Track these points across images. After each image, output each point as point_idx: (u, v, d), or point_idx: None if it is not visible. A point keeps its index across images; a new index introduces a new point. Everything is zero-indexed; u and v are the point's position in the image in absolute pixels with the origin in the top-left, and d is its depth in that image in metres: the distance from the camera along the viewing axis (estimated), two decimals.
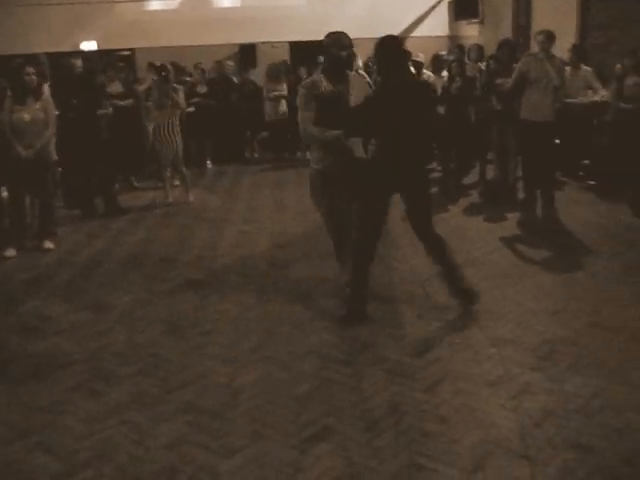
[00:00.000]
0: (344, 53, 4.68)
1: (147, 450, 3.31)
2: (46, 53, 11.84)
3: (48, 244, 6.91)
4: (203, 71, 11.83)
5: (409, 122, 4.48)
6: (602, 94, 8.66)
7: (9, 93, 6.73)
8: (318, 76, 4.79)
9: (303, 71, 11.89)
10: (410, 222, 4.88)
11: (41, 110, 6.66)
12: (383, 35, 4.66)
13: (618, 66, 7.98)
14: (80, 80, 8.14)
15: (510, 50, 8.76)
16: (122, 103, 9.53)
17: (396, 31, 15.30)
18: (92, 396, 3.86)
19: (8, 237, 6.84)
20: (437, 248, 4.85)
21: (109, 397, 3.85)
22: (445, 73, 9.75)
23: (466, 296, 4.87)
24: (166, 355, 4.35)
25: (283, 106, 11.72)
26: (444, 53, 11.17)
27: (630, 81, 7.59)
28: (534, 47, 8.33)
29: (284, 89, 11.72)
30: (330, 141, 4.62)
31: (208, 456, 3.25)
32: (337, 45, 4.66)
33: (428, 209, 4.86)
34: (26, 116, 6.56)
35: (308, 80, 4.91)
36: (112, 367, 4.22)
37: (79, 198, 8.49)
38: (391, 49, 4.60)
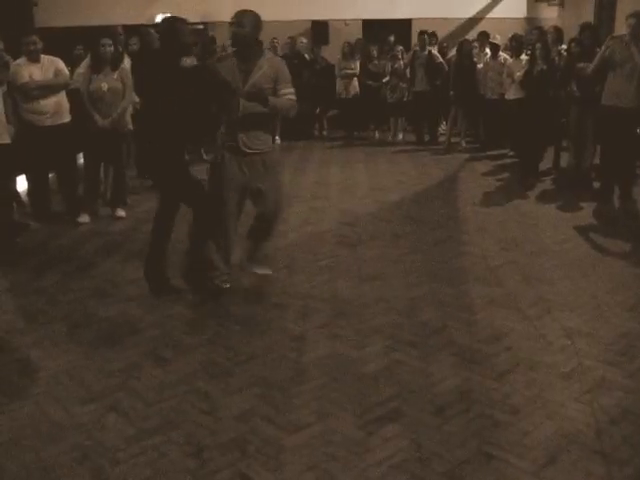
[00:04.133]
0: (237, 30, 4.45)
1: (216, 420, 3.33)
2: (123, 25, 12.00)
3: (120, 212, 7.05)
4: (274, 47, 11.83)
5: None
6: None
7: (89, 63, 6.84)
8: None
9: (374, 50, 11.80)
10: None
11: (119, 80, 6.74)
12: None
13: None
14: (157, 53, 8.20)
15: (593, 33, 8.46)
16: None
17: (472, 12, 15.01)
18: (161, 363, 3.92)
19: (82, 204, 7.00)
20: None
21: (178, 365, 3.89)
22: (524, 56, 9.49)
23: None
24: (234, 327, 4.38)
25: (355, 84, 11.64)
26: (523, 35, 10.86)
27: None
28: (618, 30, 8.00)
29: (357, 67, 11.63)
30: None
31: (275, 430, 3.25)
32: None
33: None
34: (104, 85, 6.65)
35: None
36: (181, 335, 4.28)
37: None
38: None
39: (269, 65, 4.53)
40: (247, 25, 4.44)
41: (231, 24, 4.49)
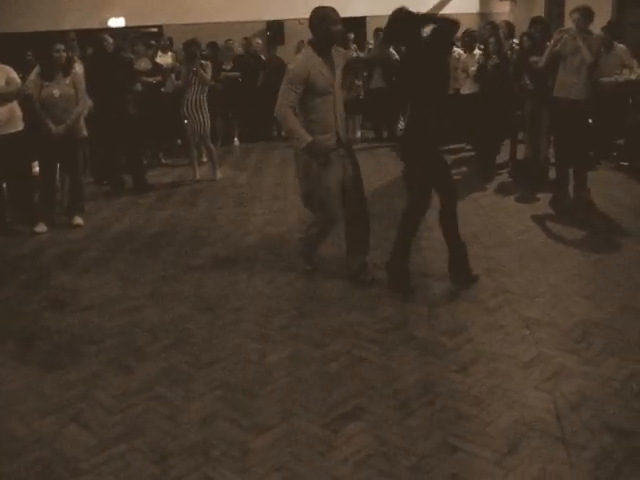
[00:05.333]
0: (337, 28, 4.61)
1: (179, 426, 3.31)
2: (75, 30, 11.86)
3: (78, 220, 6.95)
4: (229, 49, 11.80)
5: None
6: (638, 72, 8.47)
7: (38, 69, 6.74)
8: (308, 52, 4.72)
9: None
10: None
11: (71, 86, 6.65)
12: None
13: None
14: (111, 57, 8.14)
15: (543, 27, 8.59)
16: (150, 80, 9.52)
17: (426, 8, 15.09)
18: (123, 371, 3.88)
19: (39, 213, 6.89)
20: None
21: (140, 372, 3.86)
22: (477, 51, 9.59)
23: (468, 277, 4.95)
24: (196, 331, 4.35)
25: None
26: (475, 30, 10.99)
27: None
28: (568, 24, 8.14)
29: None
30: (288, 132, 4.65)
31: (240, 433, 3.24)
32: (329, 20, 4.59)
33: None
34: (55, 92, 6.56)
35: (301, 57, 4.81)
36: (142, 343, 4.23)
37: (108, 173, 8.54)
38: None
39: (343, 57, 4.80)
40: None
41: (333, 22, 4.57)
